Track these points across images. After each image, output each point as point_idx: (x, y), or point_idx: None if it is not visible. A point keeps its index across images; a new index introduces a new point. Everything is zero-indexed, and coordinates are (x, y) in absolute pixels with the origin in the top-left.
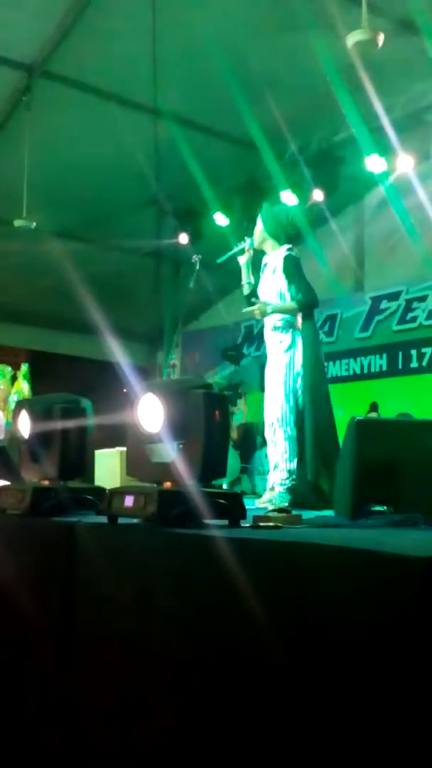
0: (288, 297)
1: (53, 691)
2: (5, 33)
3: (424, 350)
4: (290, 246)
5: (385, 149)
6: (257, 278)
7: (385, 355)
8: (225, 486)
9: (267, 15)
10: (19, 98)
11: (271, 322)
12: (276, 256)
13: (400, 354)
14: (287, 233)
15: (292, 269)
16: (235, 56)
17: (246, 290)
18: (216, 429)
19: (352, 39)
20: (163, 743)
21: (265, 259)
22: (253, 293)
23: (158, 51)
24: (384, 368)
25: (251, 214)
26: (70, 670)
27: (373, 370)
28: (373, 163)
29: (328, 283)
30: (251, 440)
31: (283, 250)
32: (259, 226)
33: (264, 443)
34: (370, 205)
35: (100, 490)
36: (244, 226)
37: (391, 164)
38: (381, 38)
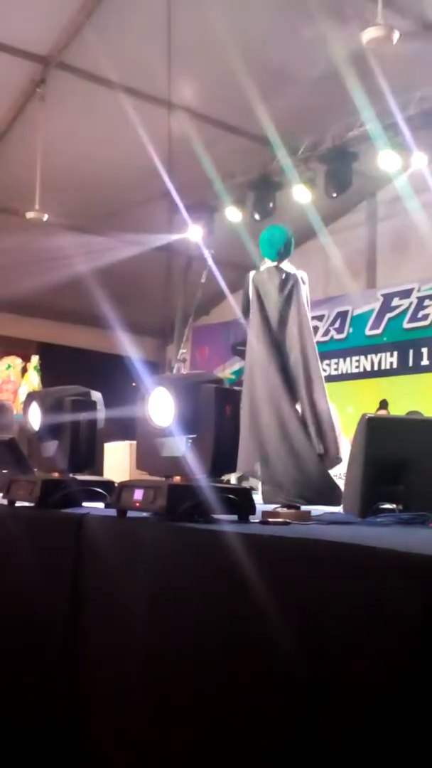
0: None
1: (57, 678)
2: (21, 24)
3: None
4: (262, 268)
5: (399, 146)
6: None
7: (395, 353)
8: (233, 481)
9: (282, 10)
10: (34, 90)
11: None
12: None
13: (411, 351)
14: (270, 256)
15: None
16: (250, 51)
17: None
18: (226, 424)
19: (368, 35)
20: (166, 731)
21: None
22: None
23: (173, 45)
24: (394, 365)
25: (264, 210)
26: (75, 658)
27: (383, 367)
28: (387, 160)
29: (340, 280)
30: None
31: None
32: None
33: None
34: (383, 201)
35: (110, 483)
36: (256, 221)
37: (405, 161)
38: (396, 35)
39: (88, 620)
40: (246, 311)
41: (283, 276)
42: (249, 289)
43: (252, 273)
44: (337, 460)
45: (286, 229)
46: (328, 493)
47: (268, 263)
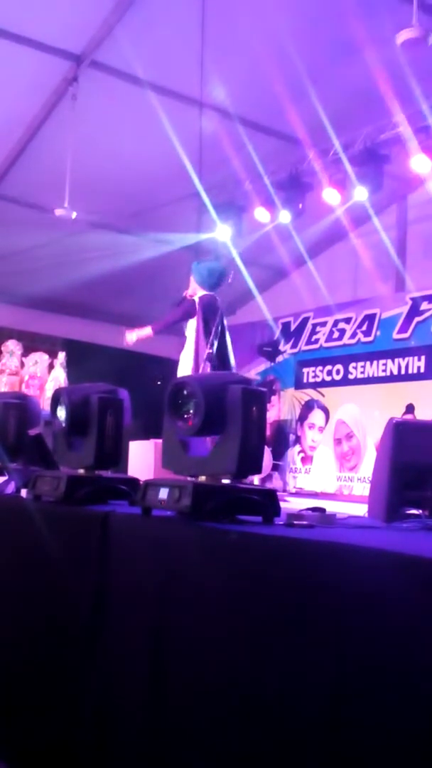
0: None
1: (81, 675)
2: (55, 22)
3: None
4: (204, 293)
5: (430, 149)
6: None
7: (423, 357)
8: (256, 482)
9: (314, 10)
10: (66, 88)
11: None
12: None
13: None
14: (210, 286)
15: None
16: (282, 51)
17: None
18: (253, 425)
19: (402, 37)
20: (185, 723)
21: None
22: None
23: (205, 44)
24: (422, 370)
25: (293, 210)
26: (99, 656)
27: (410, 371)
28: (418, 163)
29: (368, 282)
30: (283, 437)
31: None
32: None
33: (296, 441)
34: (413, 205)
35: (134, 481)
36: (285, 222)
37: None
38: (431, 37)
39: (112, 618)
40: (173, 324)
41: (218, 303)
42: (194, 312)
43: (197, 298)
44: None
45: (222, 263)
46: None
47: (202, 291)
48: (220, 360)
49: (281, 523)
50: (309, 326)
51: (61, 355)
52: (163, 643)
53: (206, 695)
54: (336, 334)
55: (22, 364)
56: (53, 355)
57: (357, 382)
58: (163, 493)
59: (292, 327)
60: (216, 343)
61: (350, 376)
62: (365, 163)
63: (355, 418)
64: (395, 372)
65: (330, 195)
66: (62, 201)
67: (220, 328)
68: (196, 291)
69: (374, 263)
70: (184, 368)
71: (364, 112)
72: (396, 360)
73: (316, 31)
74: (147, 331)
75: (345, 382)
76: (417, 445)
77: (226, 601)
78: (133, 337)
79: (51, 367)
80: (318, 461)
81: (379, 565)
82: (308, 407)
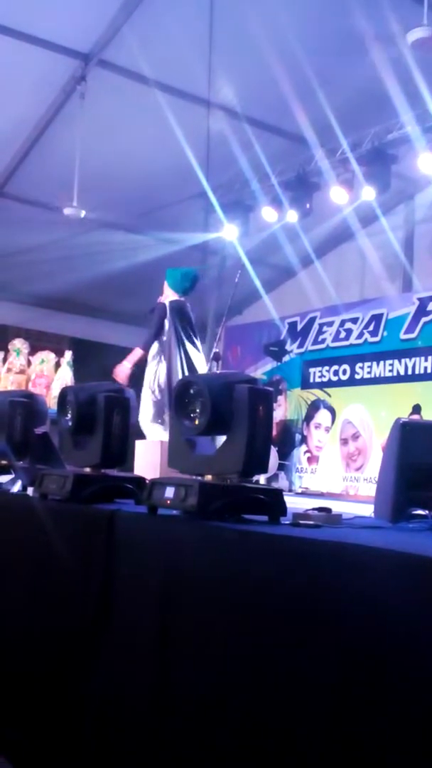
0: None
1: (86, 676)
2: (63, 21)
3: None
4: (175, 299)
5: None
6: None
7: (430, 357)
8: (262, 482)
9: (323, 10)
10: (74, 87)
11: None
12: None
13: None
14: (183, 291)
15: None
16: (290, 51)
17: None
18: (259, 424)
19: (413, 36)
20: (189, 724)
21: None
22: None
23: (213, 44)
24: (429, 370)
25: (301, 210)
26: (104, 655)
27: (417, 371)
28: (426, 163)
29: (376, 282)
30: (290, 437)
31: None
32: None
33: (302, 440)
34: (421, 204)
35: (141, 480)
36: (292, 221)
37: None
38: None
39: (117, 617)
40: (157, 334)
41: (188, 309)
42: (166, 316)
43: (167, 302)
44: None
45: (196, 269)
46: None
47: (175, 296)
48: (189, 368)
49: (287, 522)
50: (316, 326)
51: (68, 354)
52: (168, 642)
53: (210, 695)
54: (343, 334)
55: (29, 363)
56: (60, 353)
57: (364, 382)
58: (169, 492)
59: (299, 327)
60: (184, 350)
61: (357, 376)
62: (373, 163)
63: (361, 419)
64: (402, 372)
65: (337, 195)
66: (70, 200)
67: (190, 333)
68: (168, 296)
69: (381, 263)
70: (151, 372)
71: (372, 112)
72: (403, 360)
73: (324, 31)
74: (137, 353)
75: (351, 382)
76: (423, 446)
77: (232, 600)
78: (126, 367)
79: (58, 365)
80: (324, 461)
81: (385, 565)
82: (314, 407)
